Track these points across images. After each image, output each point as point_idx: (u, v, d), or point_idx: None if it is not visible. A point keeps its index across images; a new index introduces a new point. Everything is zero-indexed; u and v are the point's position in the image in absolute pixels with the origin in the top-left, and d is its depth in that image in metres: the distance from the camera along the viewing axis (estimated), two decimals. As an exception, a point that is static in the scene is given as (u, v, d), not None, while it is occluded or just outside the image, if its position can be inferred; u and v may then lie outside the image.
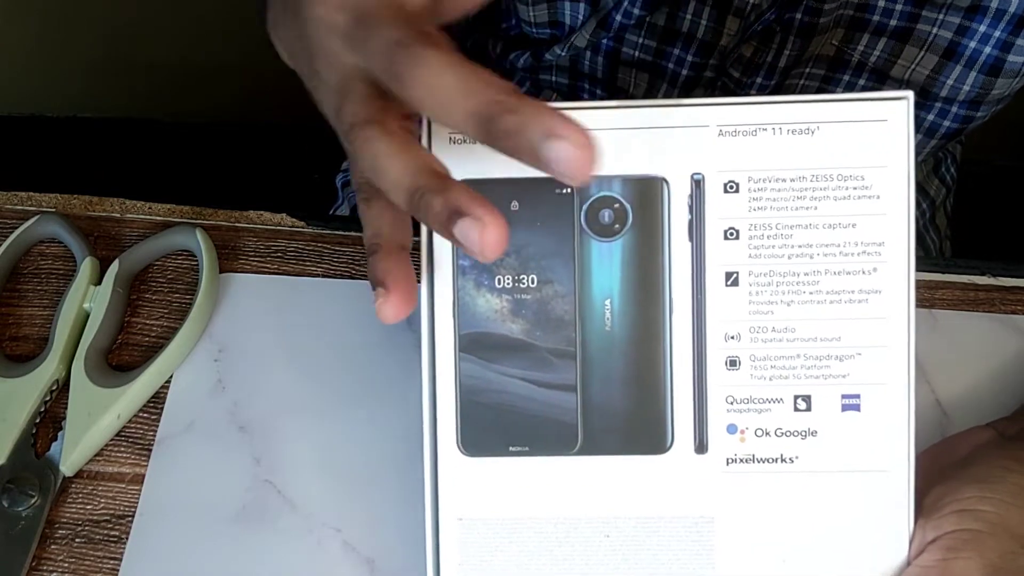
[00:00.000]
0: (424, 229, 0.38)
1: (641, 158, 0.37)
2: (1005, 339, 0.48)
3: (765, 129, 0.37)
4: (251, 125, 0.47)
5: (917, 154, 0.62)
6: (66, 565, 0.43)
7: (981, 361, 0.47)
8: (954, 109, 0.57)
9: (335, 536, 0.43)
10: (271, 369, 0.46)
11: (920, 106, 0.58)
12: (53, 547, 0.43)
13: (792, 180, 0.37)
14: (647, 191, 0.37)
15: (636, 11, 0.54)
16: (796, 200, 0.37)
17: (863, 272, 0.37)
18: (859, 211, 0.37)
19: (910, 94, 0.37)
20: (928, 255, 0.68)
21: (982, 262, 0.51)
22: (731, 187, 0.37)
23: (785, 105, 0.37)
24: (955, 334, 0.48)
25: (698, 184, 0.37)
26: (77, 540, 0.43)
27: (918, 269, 0.49)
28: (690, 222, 0.37)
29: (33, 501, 0.43)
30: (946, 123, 0.59)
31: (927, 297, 0.49)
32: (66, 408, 0.45)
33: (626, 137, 0.37)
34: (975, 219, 1.02)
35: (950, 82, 0.55)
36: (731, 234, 0.37)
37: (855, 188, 0.37)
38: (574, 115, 0.38)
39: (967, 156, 0.76)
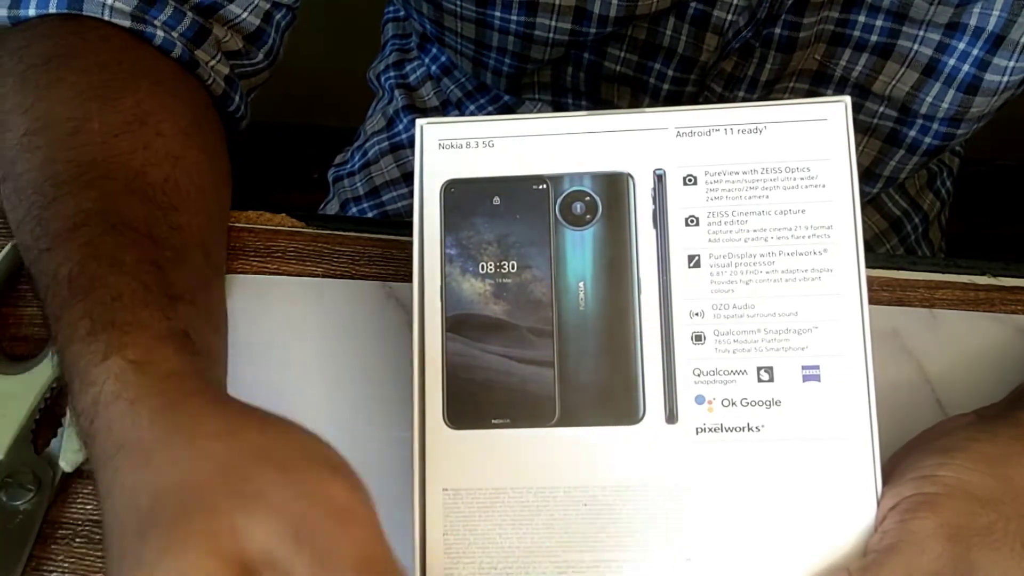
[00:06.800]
0: (416, 220, 0.42)
1: (608, 157, 0.42)
2: (1005, 339, 0.48)
3: (718, 130, 0.42)
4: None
5: (901, 170, 0.63)
6: (66, 565, 0.44)
7: (981, 361, 0.47)
8: (935, 126, 0.58)
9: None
10: (271, 368, 0.48)
11: (902, 122, 0.59)
12: (53, 547, 0.44)
13: (744, 173, 0.41)
14: (614, 185, 0.42)
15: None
16: (749, 190, 0.41)
17: (815, 253, 0.41)
18: (807, 199, 0.41)
19: (847, 99, 0.42)
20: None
21: (982, 262, 0.51)
22: (689, 180, 0.42)
23: (734, 109, 0.42)
24: (955, 334, 0.48)
25: (660, 178, 0.42)
26: (77, 540, 0.45)
27: (918, 269, 0.51)
28: (654, 211, 0.41)
29: (31, 496, 0.44)
30: (927, 139, 0.59)
31: (927, 297, 0.50)
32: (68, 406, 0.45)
33: (595, 140, 0.42)
34: (975, 220, 1.01)
35: (929, 99, 0.56)
36: (691, 221, 0.41)
37: (802, 179, 0.41)
38: (552, 123, 0.43)
39: (967, 156, 0.76)
